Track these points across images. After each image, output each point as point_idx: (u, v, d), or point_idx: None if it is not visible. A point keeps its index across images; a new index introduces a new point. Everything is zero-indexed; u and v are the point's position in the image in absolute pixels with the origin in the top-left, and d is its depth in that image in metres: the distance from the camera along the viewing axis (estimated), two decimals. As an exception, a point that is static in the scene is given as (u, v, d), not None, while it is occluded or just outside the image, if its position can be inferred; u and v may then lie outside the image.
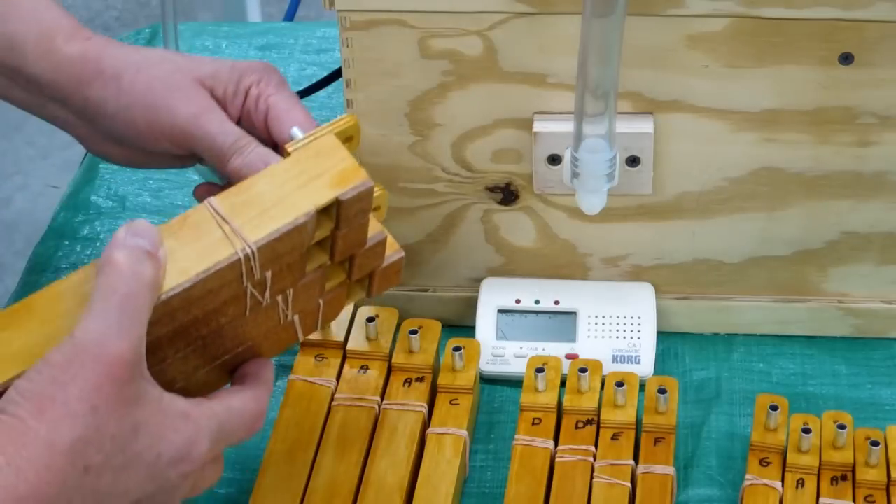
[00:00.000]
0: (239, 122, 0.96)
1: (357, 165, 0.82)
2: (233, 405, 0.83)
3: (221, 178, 0.97)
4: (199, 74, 0.97)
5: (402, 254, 0.92)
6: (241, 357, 0.87)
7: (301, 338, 0.91)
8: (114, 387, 0.74)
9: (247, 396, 0.84)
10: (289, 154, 0.84)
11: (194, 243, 0.78)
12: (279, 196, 0.80)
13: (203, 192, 0.98)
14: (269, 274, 0.81)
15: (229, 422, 0.82)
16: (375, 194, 0.87)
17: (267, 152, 0.93)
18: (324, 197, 0.81)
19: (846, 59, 0.98)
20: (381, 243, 0.89)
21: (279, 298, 0.85)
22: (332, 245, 0.85)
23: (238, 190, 0.81)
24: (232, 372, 0.88)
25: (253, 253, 0.79)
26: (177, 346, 0.82)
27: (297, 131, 0.92)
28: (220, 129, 0.94)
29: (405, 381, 1.03)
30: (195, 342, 0.83)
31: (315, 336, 1.04)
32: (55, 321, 0.77)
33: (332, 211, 0.82)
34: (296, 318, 0.89)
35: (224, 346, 0.85)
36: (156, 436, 0.77)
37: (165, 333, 0.80)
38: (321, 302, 0.90)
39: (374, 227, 0.88)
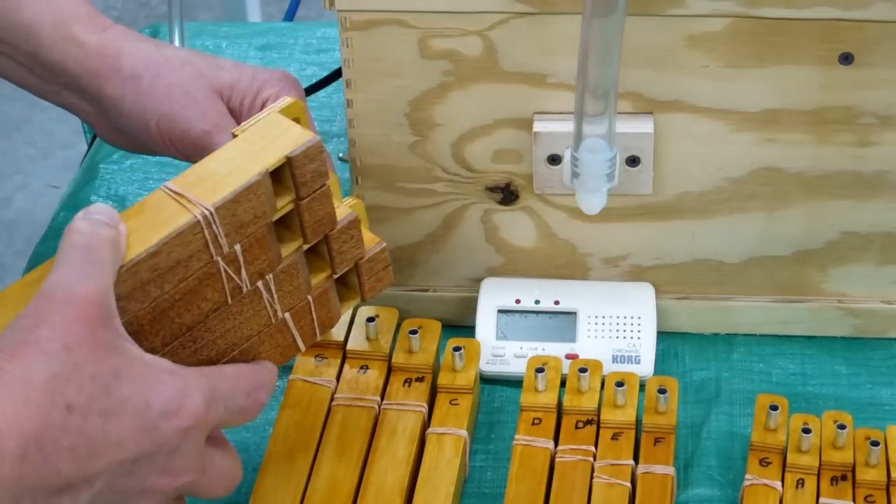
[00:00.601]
0: None
1: (303, 129, 0.84)
2: (224, 370, 0.82)
3: None
4: (218, 84, 0.97)
5: (384, 245, 0.92)
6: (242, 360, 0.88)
7: (302, 347, 0.91)
8: (84, 327, 0.74)
9: (241, 367, 0.84)
10: (235, 136, 0.86)
11: (153, 218, 0.80)
12: (230, 168, 0.82)
13: None
14: (238, 248, 0.82)
15: (222, 383, 0.81)
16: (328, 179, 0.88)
17: None
18: (274, 157, 0.82)
19: (846, 59, 0.98)
20: (354, 225, 0.89)
21: (260, 285, 0.85)
22: (300, 221, 0.86)
23: (190, 171, 0.83)
24: None
25: (211, 213, 0.80)
26: (162, 335, 0.82)
27: None
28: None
29: (405, 381, 1.03)
30: (182, 334, 0.83)
31: (315, 336, 1.04)
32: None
33: (286, 177, 0.84)
34: (288, 317, 0.89)
35: (217, 346, 0.85)
36: (141, 384, 0.76)
37: (144, 314, 0.80)
38: (311, 300, 0.90)
39: (343, 211, 0.89)
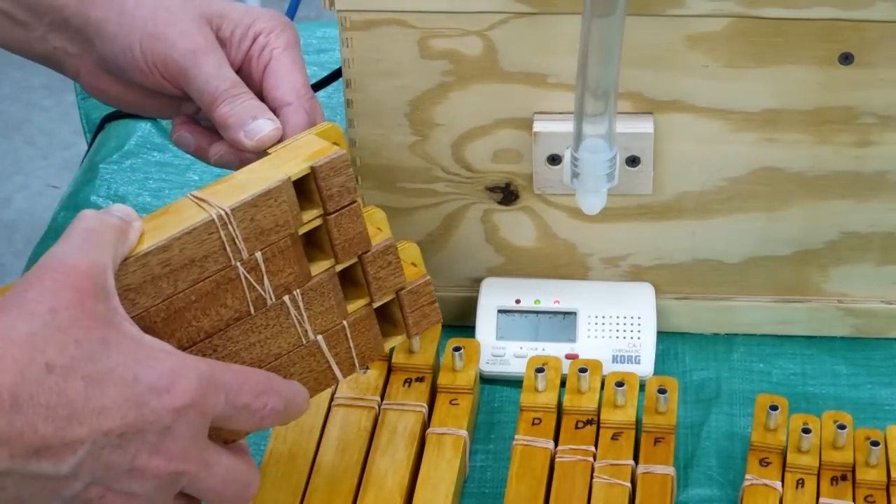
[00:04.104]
0: (239, 69, 0.94)
1: (332, 144, 0.84)
2: (233, 365, 0.81)
3: (204, 122, 0.96)
4: (208, 11, 0.94)
5: (428, 278, 0.91)
6: None
7: (340, 377, 0.89)
8: (74, 294, 0.74)
9: (255, 370, 0.82)
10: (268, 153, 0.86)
11: (173, 219, 0.80)
12: (255, 178, 0.82)
13: (180, 124, 0.97)
14: (259, 256, 0.82)
15: (226, 374, 0.79)
16: (371, 211, 0.88)
17: (258, 106, 0.91)
18: (297, 167, 0.82)
19: (846, 59, 0.98)
20: (391, 251, 0.88)
21: (287, 300, 0.85)
22: (330, 240, 0.85)
23: (217, 182, 0.83)
24: None
25: (227, 214, 0.80)
26: (178, 336, 0.81)
27: (263, 123, 0.90)
28: (217, 72, 0.92)
29: (405, 381, 1.03)
30: (200, 340, 0.82)
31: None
32: None
33: (313, 190, 0.83)
34: (321, 340, 0.87)
35: (241, 359, 0.84)
36: (131, 357, 0.75)
37: (157, 310, 0.80)
38: (346, 326, 0.88)
39: (380, 236, 0.88)
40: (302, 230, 0.84)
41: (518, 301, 1.09)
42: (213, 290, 0.81)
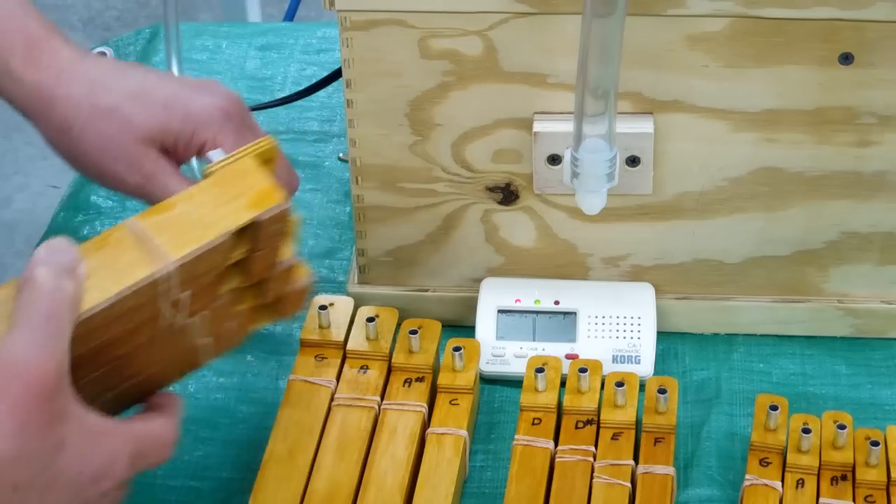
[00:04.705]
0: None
1: (274, 186, 0.84)
2: (150, 428, 0.83)
3: None
4: (147, 133, 0.95)
5: (312, 276, 0.93)
6: (150, 381, 0.87)
7: (202, 364, 0.90)
8: (40, 404, 0.73)
9: (162, 422, 0.84)
10: (207, 175, 0.84)
11: (114, 262, 0.79)
12: (198, 216, 0.81)
13: None
14: (187, 294, 0.82)
15: (146, 444, 0.81)
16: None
17: None
18: (242, 217, 0.82)
19: (846, 59, 0.98)
20: (296, 267, 0.90)
21: (197, 319, 0.86)
22: (247, 266, 0.86)
23: (157, 209, 0.82)
24: (136, 396, 0.87)
25: (173, 271, 0.80)
26: (95, 365, 0.82)
27: (216, 153, 0.92)
28: (167, 192, 0.92)
29: (405, 381, 1.03)
30: (111, 362, 0.83)
31: (315, 336, 1.04)
32: None
33: (249, 231, 0.83)
34: (206, 342, 0.89)
35: (136, 368, 0.85)
36: (78, 454, 0.76)
37: (84, 353, 0.79)
38: (231, 325, 0.90)
39: (288, 251, 0.89)
40: (227, 264, 0.85)
41: (518, 301, 1.09)
42: (137, 326, 0.82)
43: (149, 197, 0.96)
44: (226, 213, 0.82)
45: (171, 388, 0.89)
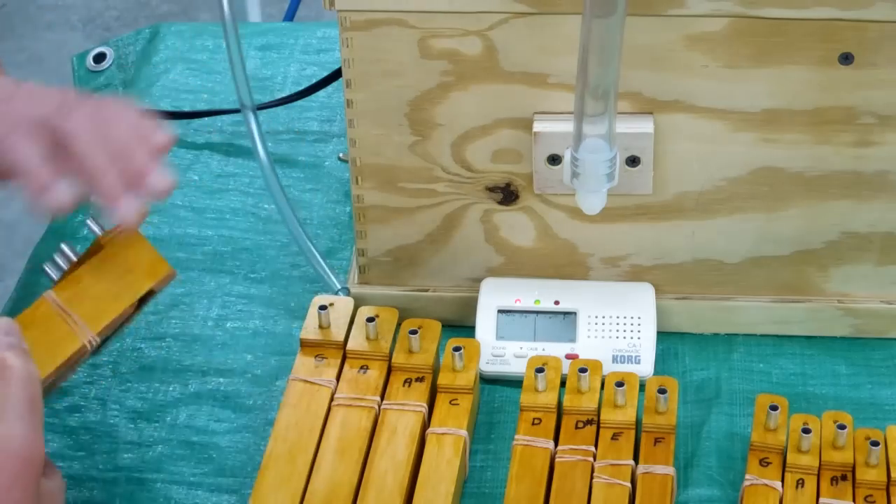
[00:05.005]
0: None
1: (160, 258, 0.96)
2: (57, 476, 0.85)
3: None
4: None
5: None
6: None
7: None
8: (24, 488, 0.78)
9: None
10: (100, 245, 0.95)
11: (46, 338, 0.91)
12: (105, 289, 0.94)
13: None
14: (97, 339, 0.94)
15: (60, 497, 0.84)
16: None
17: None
18: (143, 288, 0.95)
19: (846, 59, 0.98)
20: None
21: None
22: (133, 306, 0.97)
23: (69, 283, 0.93)
24: None
25: (93, 338, 0.93)
26: None
27: (93, 224, 0.95)
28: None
29: (405, 381, 1.03)
30: None
31: (315, 336, 1.04)
32: None
33: (146, 294, 0.97)
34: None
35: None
36: None
37: None
38: None
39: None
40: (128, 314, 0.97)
41: (518, 301, 1.09)
42: (57, 370, 0.91)
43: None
44: (128, 283, 0.95)
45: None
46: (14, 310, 1.09)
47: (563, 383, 1.03)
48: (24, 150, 0.90)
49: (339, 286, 1.09)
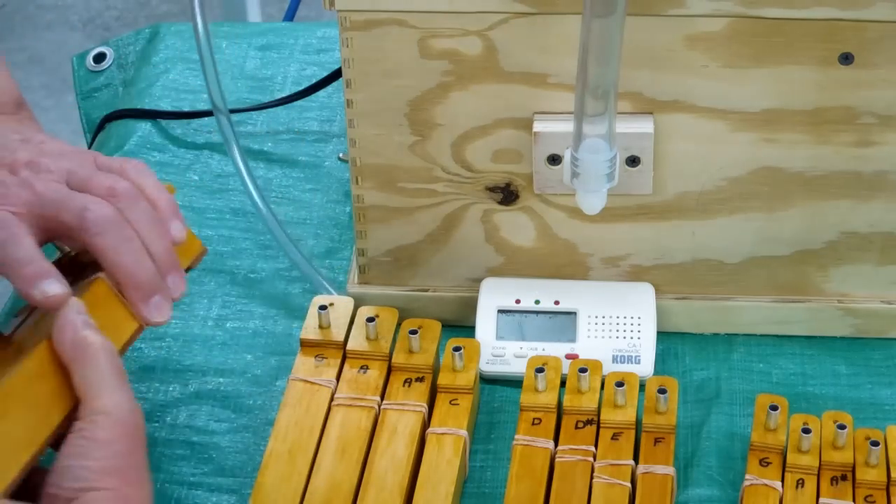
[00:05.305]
0: None
1: (193, 235, 0.96)
2: None
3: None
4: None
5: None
6: None
7: None
8: (145, 447, 0.81)
9: None
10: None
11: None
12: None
13: None
14: None
15: None
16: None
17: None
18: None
19: (846, 59, 0.98)
20: None
21: None
22: None
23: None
24: None
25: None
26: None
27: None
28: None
29: (405, 381, 1.03)
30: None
31: (315, 336, 1.04)
32: (41, 405, 0.81)
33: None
34: None
35: None
36: None
37: None
38: None
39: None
40: None
41: (518, 301, 1.09)
42: None
43: None
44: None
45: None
46: (14, 310, 1.09)
47: (563, 383, 1.03)
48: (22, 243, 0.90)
49: (332, 290, 1.09)
